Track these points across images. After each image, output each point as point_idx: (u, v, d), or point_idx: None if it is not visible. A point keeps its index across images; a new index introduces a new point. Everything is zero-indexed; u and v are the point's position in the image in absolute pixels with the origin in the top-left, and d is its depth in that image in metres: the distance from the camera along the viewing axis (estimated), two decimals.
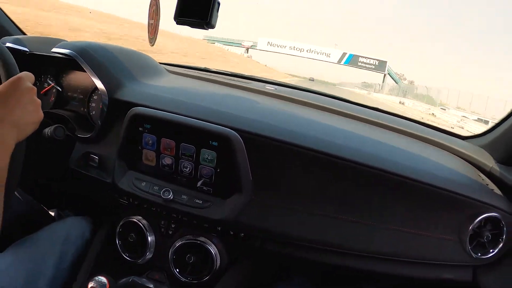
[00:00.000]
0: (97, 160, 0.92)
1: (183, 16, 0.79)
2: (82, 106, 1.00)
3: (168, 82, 1.03)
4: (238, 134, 0.78)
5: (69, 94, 1.02)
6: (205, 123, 0.79)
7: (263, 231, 0.81)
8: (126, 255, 0.90)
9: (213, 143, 0.79)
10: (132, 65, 0.99)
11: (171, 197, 0.81)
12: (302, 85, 1.31)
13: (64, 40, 1.04)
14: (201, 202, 0.81)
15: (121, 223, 0.89)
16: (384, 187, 0.81)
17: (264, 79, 1.28)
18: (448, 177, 0.84)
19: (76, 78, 1.01)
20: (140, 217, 0.88)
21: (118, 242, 0.90)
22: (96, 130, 0.92)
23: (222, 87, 1.11)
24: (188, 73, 1.18)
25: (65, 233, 0.88)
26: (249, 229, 0.82)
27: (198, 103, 0.87)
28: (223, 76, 1.19)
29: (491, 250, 0.86)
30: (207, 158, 0.80)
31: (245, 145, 0.78)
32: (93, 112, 0.99)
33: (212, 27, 0.79)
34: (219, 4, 0.79)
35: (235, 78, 1.21)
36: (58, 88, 1.01)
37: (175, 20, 0.80)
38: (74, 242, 0.88)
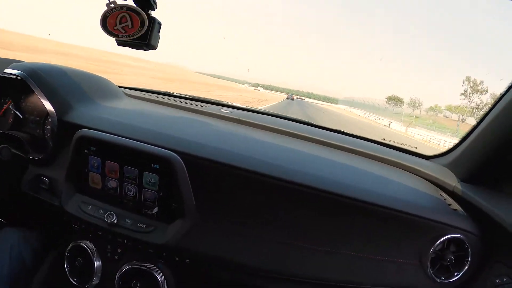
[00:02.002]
0: (47, 183, 0.90)
1: (123, 37, 0.78)
2: (38, 128, 0.99)
3: (121, 105, 1.02)
4: (180, 157, 0.75)
5: (26, 116, 1.01)
6: (147, 146, 0.77)
7: (208, 257, 0.78)
8: (74, 280, 0.87)
9: (155, 166, 0.77)
10: (86, 87, 0.98)
11: (115, 221, 0.79)
12: (260, 109, 1.29)
13: (20, 61, 1.04)
14: (144, 226, 0.79)
15: (69, 247, 0.87)
16: (338, 211, 0.77)
17: (222, 103, 1.26)
18: (406, 199, 0.80)
19: (33, 100, 1.01)
20: (88, 242, 0.86)
21: (67, 266, 0.87)
22: (47, 152, 0.91)
23: (176, 110, 1.10)
24: (148, 97, 1.17)
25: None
26: (194, 255, 0.78)
27: (143, 126, 0.85)
28: (182, 100, 1.18)
29: (455, 274, 0.81)
30: (150, 182, 0.78)
31: (188, 168, 0.76)
32: (48, 135, 0.98)
33: (153, 48, 0.78)
34: (160, 24, 0.78)
35: (193, 102, 1.19)
36: (15, 110, 1.00)
37: (116, 41, 0.79)
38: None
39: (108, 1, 0.72)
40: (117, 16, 0.74)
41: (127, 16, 0.75)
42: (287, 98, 52.68)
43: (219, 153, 0.78)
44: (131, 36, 0.76)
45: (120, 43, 0.79)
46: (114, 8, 0.73)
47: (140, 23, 0.74)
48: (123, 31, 0.77)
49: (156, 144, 0.78)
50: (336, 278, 0.78)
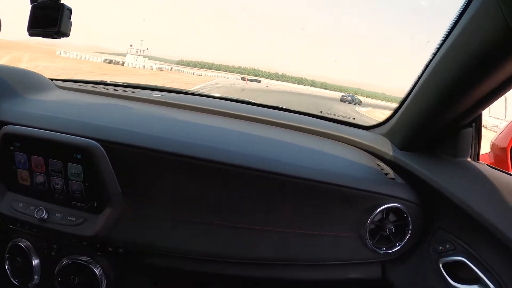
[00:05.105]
0: None
1: (34, 27, 0.76)
2: None
3: (50, 98, 1.00)
4: (100, 144, 0.73)
5: None
6: (67, 136, 0.75)
7: (140, 244, 0.76)
8: (15, 281, 0.85)
9: (78, 156, 0.75)
10: (10, 82, 0.96)
11: (45, 216, 0.77)
12: (194, 91, 1.26)
13: None
14: (74, 219, 0.77)
15: (8, 247, 0.85)
16: (267, 188, 0.75)
17: (154, 87, 1.24)
18: (341, 172, 0.78)
19: None
20: (25, 240, 0.84)
21: (8, 268, 0.86)
22: None
23: (107, 99, 1.08)
24: (81, 87, 1.15)
25: None
26: (126, 243, 0.77)
27: (68, 118, 0.83)
28: (117, 88, 1.16)
29: (397, 244, 0.79)
30: (74, 173, 0.76)
31: (110, 156, 0.74)
32: None
33: (65, 35, 0.76)
34: (70, 11, 0.75)
35: (126, 89, 1.17)
36: None
37: (28, 32, 0.77)
38: None
39: None
40: None
41: None
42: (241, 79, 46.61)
43: (137, 137, 0.75)
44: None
45: (32, 34, 0.77)
46: None
47: None
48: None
49: (79, 134, 0.76)
50: (271, 256, 0.77)
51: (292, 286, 0.86)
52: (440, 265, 0.73)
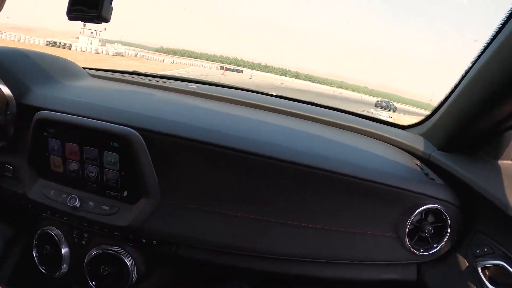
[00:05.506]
0: (11, 170, 0.87)
1: (74, 11, 0.74)
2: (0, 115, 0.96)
3: (84, 85, 0.99)
4: (138, 133, 0.72)
5: None
6: (104, 123, 0.74)
7: (175, 236, 0.75)
8: (43, 269, 0.84)
9: (115, 144, 0.73)
10: (45, 69, 0.94)
11: (78, 205, 0.76)
12: (229, 84, 1.25)
13: None
14: (108, 208, 0.76)
15: (37, 235, 0.84)
16: (308, 184, 0.74)
17: (189, 79, 1.23)
18: (382, 170, 0.76)
19: None
20: (54, 228, 0.83)
21: (35, 255, 0.85)
22: (8, 138, 0.88)
23: (141, 88, 1.07)
24: (114, 76, 1.13)
25: None
26: (160, 235, 0.76)
27: (104, 105, 0.82)
28: (150, 78, 1.15)
29: (435, 245, 0.78)
30: (110, 161, 0.75)
31: (149, 145, 0.73)
32: (8, 118, 0.94)
33: (105, 20, 0.74)
34: None
35: (161, 79, 1.16)
36: None
37: (67, 16, 0.75)
38: None
39: None
40: None
41: None
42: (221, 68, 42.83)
43: (177, 127, 0.74)
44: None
45: (71, 18, 0.76)
46: None
47: None
48: None
49: (115, 122, 0.74)
50: (309, 253, 0.75)
51: (324, 285, 0.85)
52: (479, 269, 0.71)
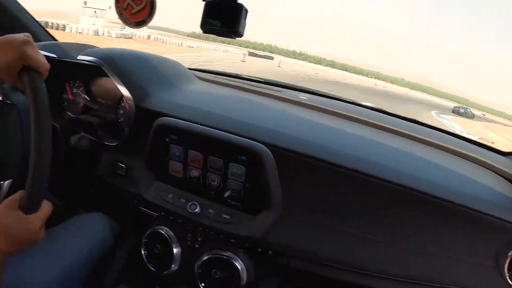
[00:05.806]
0: (124, 169, 0.92)
1: (209, 24, 0.76)
2: (110, 113, 0.99)
3: (197, 90, 1.01)
4: (269, 149, 0.74)
5: (97, 100, 1.02)
6: (234, 137, 0.76)
7: (291, 249, 0.77)
8: (151, 266, 0.89)
9: (242, 157, 0.75)
10: (161, 72, 0.97)
11: (198, 211, 0.79)
12: (341, 96, 1.24)
13: (93, 47, 1.04)
14: (228, 217, 0.79)
15: (147, 233, 0.89)
16: (418, 208, 0.74)
17: (298, 87, 1.23)
18: (485, 198, 0.76)
19: (105, 84, 1.01)
20: (166, 229, 0.87)
21: (144, 253, 0.89)
22: (124, 138, 0.91)
23: (253, 95, 1.08)
24: (218, 80, 1.15)
25: (80, 228, 0.86)
26: (278, 247, 0.78)
27: (227, 115, 0.84)
28: (255, 83, 1.15)
29: None
30: (235, 173, 0.77)
31: (277, 161, 0.75)
32: (122, 119, 0.98)
33: (240, 35, 0.75)
34: (246, 11, 0.75)
35: (267, 86, 1.16)
36: (86, 96, 1.01)
37: (201, 29, 0.77)
38: (88, 238, 0.85)
39: None
40: None
41: None
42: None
43: (310, 147, 0.75)
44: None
45: (206, 31, 0.77)
46: None
47: None
48: None
49: (243, 135, 0.76)
50: (412, 274, 0.76)
51: None
52: None
